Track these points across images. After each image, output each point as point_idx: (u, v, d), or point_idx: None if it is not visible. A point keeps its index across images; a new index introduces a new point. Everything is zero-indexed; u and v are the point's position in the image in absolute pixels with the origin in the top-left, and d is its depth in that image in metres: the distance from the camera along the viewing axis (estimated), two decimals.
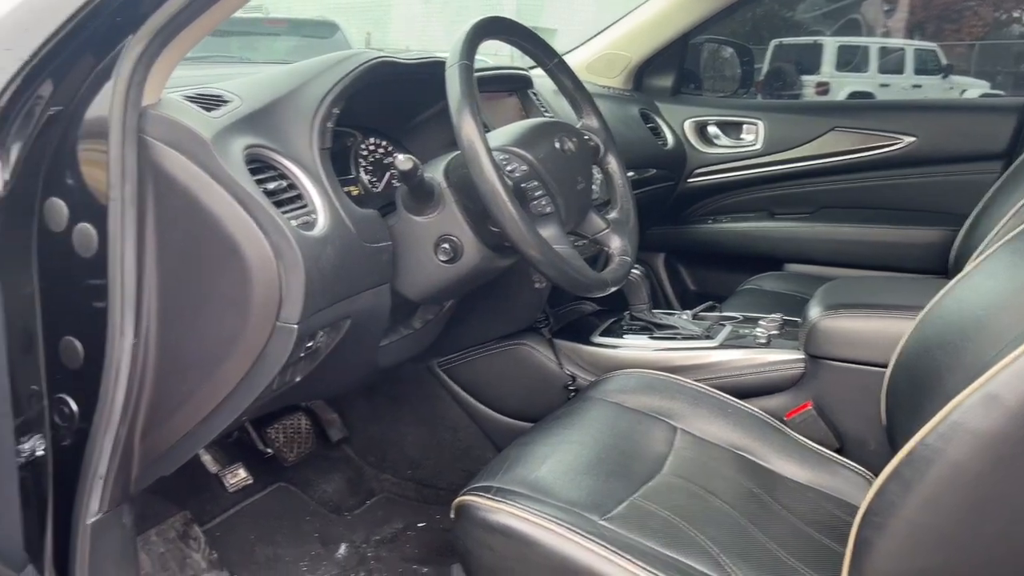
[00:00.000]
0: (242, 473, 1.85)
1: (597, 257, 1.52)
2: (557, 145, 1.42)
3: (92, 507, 1.24)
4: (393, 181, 1.56)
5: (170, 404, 1.22)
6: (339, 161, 1.52)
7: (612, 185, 1.59)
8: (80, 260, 1.16)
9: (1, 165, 1.13)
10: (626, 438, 1.42)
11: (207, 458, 1.81)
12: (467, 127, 1.22)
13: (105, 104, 1.09)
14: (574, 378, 1.83)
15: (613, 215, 1.55)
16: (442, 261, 1.35)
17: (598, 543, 1.12)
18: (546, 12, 17.48)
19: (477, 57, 1.36)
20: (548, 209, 1.35)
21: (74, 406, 1.23)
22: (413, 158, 1.27)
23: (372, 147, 1.59)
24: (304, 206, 1.22)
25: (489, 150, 1.22)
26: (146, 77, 1.10)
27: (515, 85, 1.97)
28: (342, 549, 1.86)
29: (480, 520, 1.19)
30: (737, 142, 2.81)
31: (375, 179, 1.58)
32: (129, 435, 1.21)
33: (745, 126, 2.79)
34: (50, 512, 1.26)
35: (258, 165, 1.20)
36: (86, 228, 1.15)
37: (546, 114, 1.96)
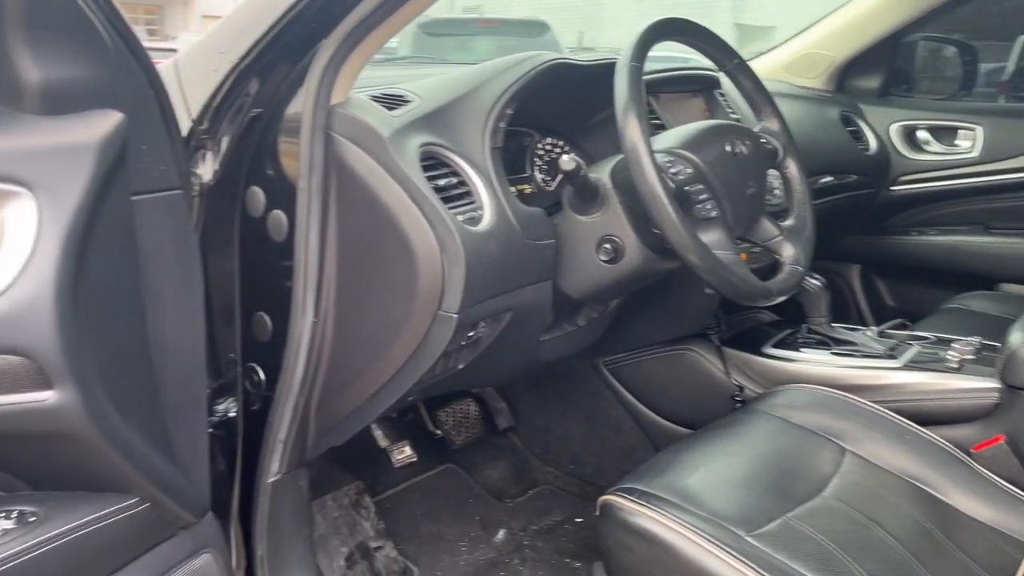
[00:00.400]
0: (408, 451, 1.96)
1: (776, 265, 1.46)
2: (728, 148, 1.38)
3: (273, 468, 1.37)
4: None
5: (342, 380, 1.32)
6: (516, 159, 1.57)
7: (790, 191, 1.53)
8: (272, 244, 1.28)
9: (212, 156, 1.27)
10: (788, 455, 1.37)
11: (379, 433, 1.93)
12: (631, 129, 1.23)
13: (299, 103, 1.20)
14: (741, 388, 1.78)
15: (788, 222, 1.49)
16: (603, 261, 1.36)
17: (740, 559, 1.09)
18: (763, 8, 16.87)
19: (670, 54, 1.34)
20: (713, 213, 1.32)
21: (262, 375, 1.36)
22: (577, 158, 1.29)
23: (548, 147, 1.63)
24: (472, 202, 1.27)
25: (651, 152, 1.22)
26: (335, 79, 1.19)
27: (701, 86, 1.93)
28: (500, 534, 1.92)
29: (621, 521, 1.19)
30: (951, 148, 2.58)
31: (548, 178, 1.61)
32: (306, 405, 1.33)
33: (961, 131, 2.56)
34: (238, 469, 1.40)
35: (432, 162, 1.26)
36: (279, 215, 1.27)
37: (732, 115, 1.92)
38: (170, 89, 1.01)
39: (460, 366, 1.39)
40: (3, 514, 0.83)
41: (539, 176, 1.60)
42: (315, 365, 1.29)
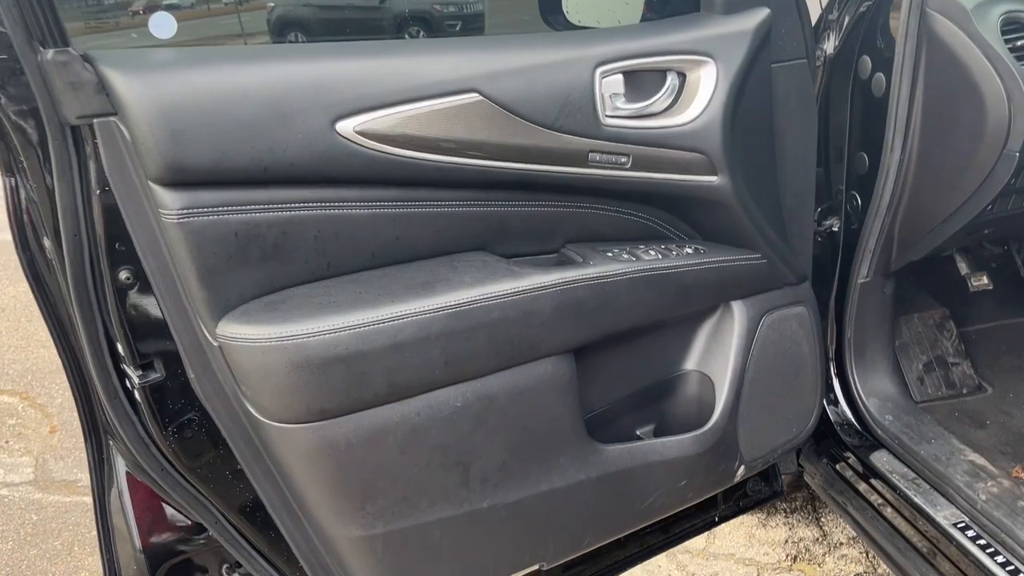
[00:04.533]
0: (984, 280, 2.19)
1: None
2: None
3: (863, 271, 1.84)
4: None
5: (920, 205, 1.70)
6: None
7: None
8: (873, 99, 1.71)
9: (835, 35, 1.74)
10: None
11: (962, 265, 2.21)
12: None
13: None
14: None
15: None
16: None
17: None
18: None
19: None
20: None
21: (859, 200, 1.82)
22: None
23: None
24: None
25: None
26: None
27: None
28: None
29: None
30: None
31: None
32: (891, 225, 1.75)
33: None
34: (837, 272, 1.91)
35: (1014, 26, 1.52)
36: (880, 76, 1.69)
37: None
38: None
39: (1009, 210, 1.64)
40: (688, 244, 1.50)
41: None
42: (900, 192, 1.70)
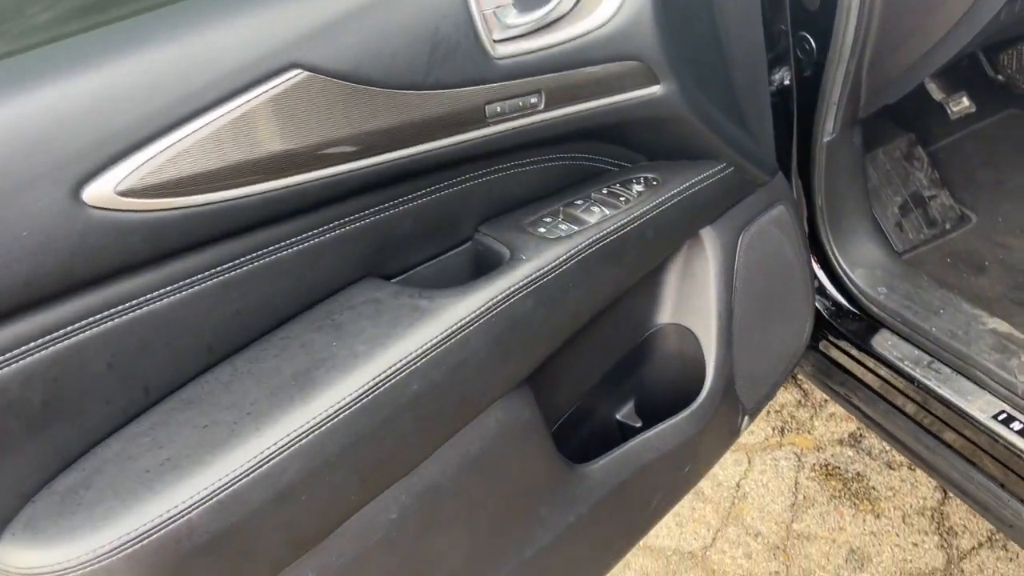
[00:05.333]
0: (965, 102, 1.89)
1: None
2: None
3: (827, 128, 1.50)
4: None
5: (893, 40, 1.34)
6: None
7: None
8: None
9: None
10: None
11: (932, 86, 1.89)
12: None
13: None
14: None
15: None
16: None
17: None
18: None
19: None
20: None
21: (812, 43, 1.44)
22: None
23: None
24: None
25: None
26: None
27: None
28: None
29: None
30: None
31: None
32: (857, 68, 1.39)
33: None
34: (795, 132, 1.55)
35: None
36: None
37: None
38: None
39: None
40: (636, 180, 1.12)
41: None
42: (865, 28, 1.33)
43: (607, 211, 1.06)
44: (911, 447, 1.49)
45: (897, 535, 1.86)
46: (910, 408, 1.48)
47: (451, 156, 0.92)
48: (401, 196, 0.93)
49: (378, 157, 0.86)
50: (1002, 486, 1.34)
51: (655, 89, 1.03)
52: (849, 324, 1.60)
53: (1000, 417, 1.35)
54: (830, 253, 1.61)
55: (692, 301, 1.22)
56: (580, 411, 1.20)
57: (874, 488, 1.97)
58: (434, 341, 0.85)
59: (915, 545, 1.83)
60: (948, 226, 1.79)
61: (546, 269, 0.96)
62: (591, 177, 1.14)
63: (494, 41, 0.90)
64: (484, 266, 1.04)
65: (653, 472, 1.17)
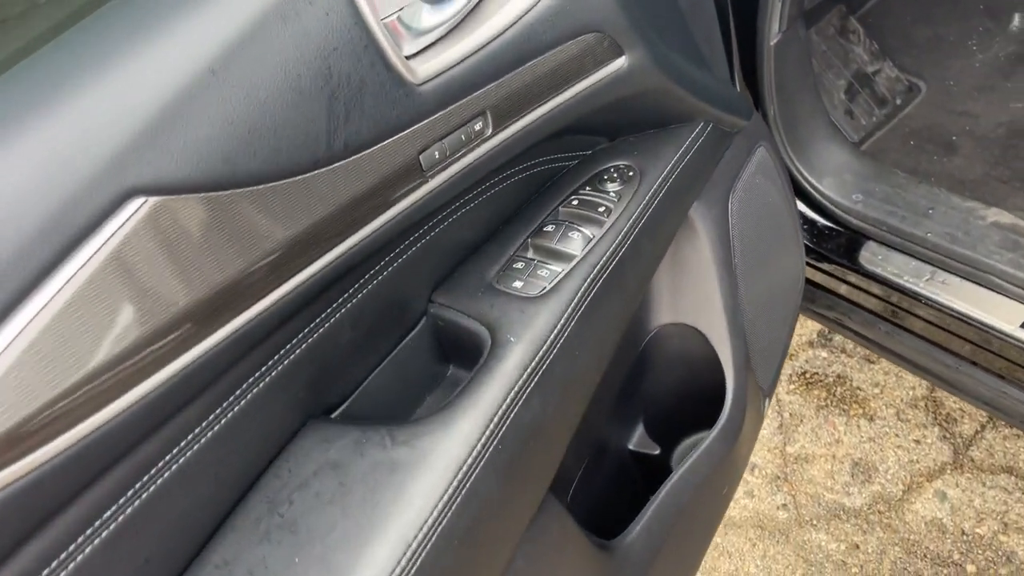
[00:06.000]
0: None
1: None
2: None
3: (774, 29, 1.26)
4: None
5: None
6: None
7: None
8: None
9: None
10: None
11: None
12: None
13: None
14: None
15: None
16: None
17: None
18: None
19: None
20: None
21: None
22: None
23: None
24: None
25: None
26: None
27: None
28: (1017, 21, 1.64)
29: None
30: None
31: None
32: None
33: None
34: (734, 40, 1.31)
35: None
36: None
37: None
38: None
39: None
40: (607, 176, 0.86)
41: None
42: None
43: (589, 231, 0.80)
44: (931, 369, 1.34)
45: (896, 435, 1.76)
46: (919, 327, 1.33)
47: (386, 237, 0.64)
48: (332, 304, 0.65)
49: (292, 280, 0.57)
50: None
51: (620, 62, 0.76)
52: (828, 243, 1.42)
53: None
54: (793, 168, 1.41)
55: (690, 293, 1.00)
56: (592, 461, 0.98)
57: (859, 388, 1.86)
58: (434, 517, 0.60)
59: (917, 442, 1.74)
60: (899, 101, 1.61)
61: (546, 346, 0.70)
62: (549, 182, 0.87)
63: (407, 59, 0.61)
64: (452, 349, 0.78)
65: (692, 513, 0.97)
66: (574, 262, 0.77)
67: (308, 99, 0.54)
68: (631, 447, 1.05)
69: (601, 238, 0.79)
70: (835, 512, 1.68)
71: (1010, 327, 1.21)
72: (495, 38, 0.65)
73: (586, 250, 0.78)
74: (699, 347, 1.01)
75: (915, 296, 1.31)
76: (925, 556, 1.58)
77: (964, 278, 1.28)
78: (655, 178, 0.86)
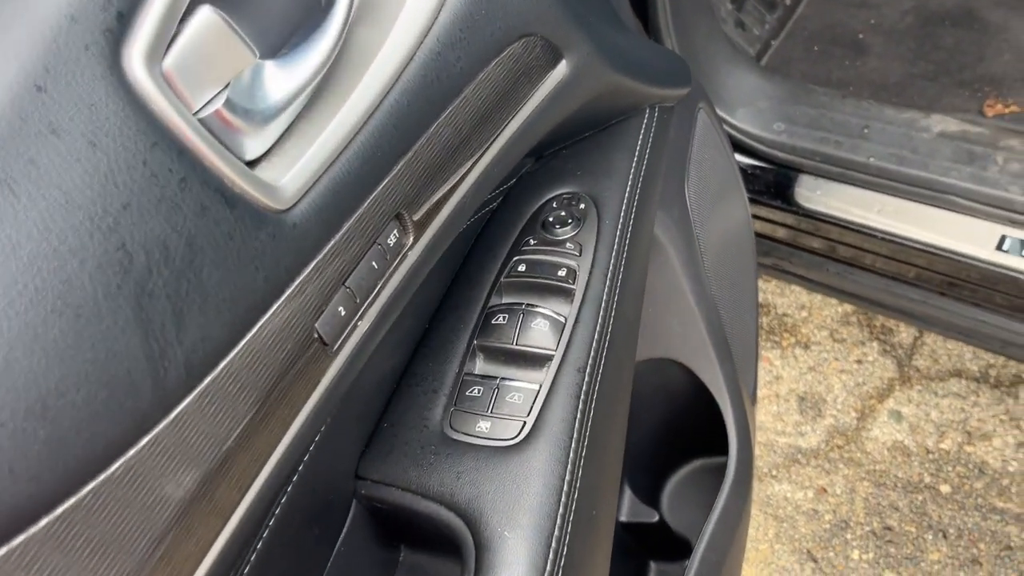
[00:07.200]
0: None
1: None
2: None
3: None
4: None
5: None
6: None
7: None
8: None
9: None
10: None
11: None
12: None
13: None
14: None
15: None
16: None
17: None
18: None
19: None
20: None
21: None
22: None
23: None
24: None
25: None
26: None
27: None
28: None
29: None
30: None
31: None
32: None
33: None
34: None
35: None
36: None
37: None
38: None
39: None
40: (554, 220, 0.61)
41: None
42: None
43: (555, 310, 0.56)
44: (894, 305, 1.20)
45: (836, 359, 1.65)
46: (877, 263, 1.17)
47: (293, 457, 0.38)
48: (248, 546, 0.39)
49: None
50: None
51: (560, 70, 0.51)
52: (755, 183, 1.24)
53: (1004, 246, 1.07)
54: None
55: (663, 322, 0.78)
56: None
57: (786, 315, 1.73)
58: None
59: (859, 362, 1.63)
60: (789, 1, 1.42)
61: (556, 531, 0.47)
62: (472, 242, 0.62)
63: (250, 167, 0.34)
64: (403, 532, 0.53)
65: None
66: (552, 368, 0.53)
67: (93, 319, 0.27)
68: (622, 519, 0.84)
69: (577, 319, 0.55)
70: (793, 457, 1.56)
71: (986, 252, 1.07)
72: (387, 91, 0.39)
73: (562, 343, 0.54)
74: (682, 382, 0.80)
75: (867, 232, 1.15)
76: (896, 485, 1.49)
77: (921, 202, 1.12)
78: (617, 206, 0.62)
